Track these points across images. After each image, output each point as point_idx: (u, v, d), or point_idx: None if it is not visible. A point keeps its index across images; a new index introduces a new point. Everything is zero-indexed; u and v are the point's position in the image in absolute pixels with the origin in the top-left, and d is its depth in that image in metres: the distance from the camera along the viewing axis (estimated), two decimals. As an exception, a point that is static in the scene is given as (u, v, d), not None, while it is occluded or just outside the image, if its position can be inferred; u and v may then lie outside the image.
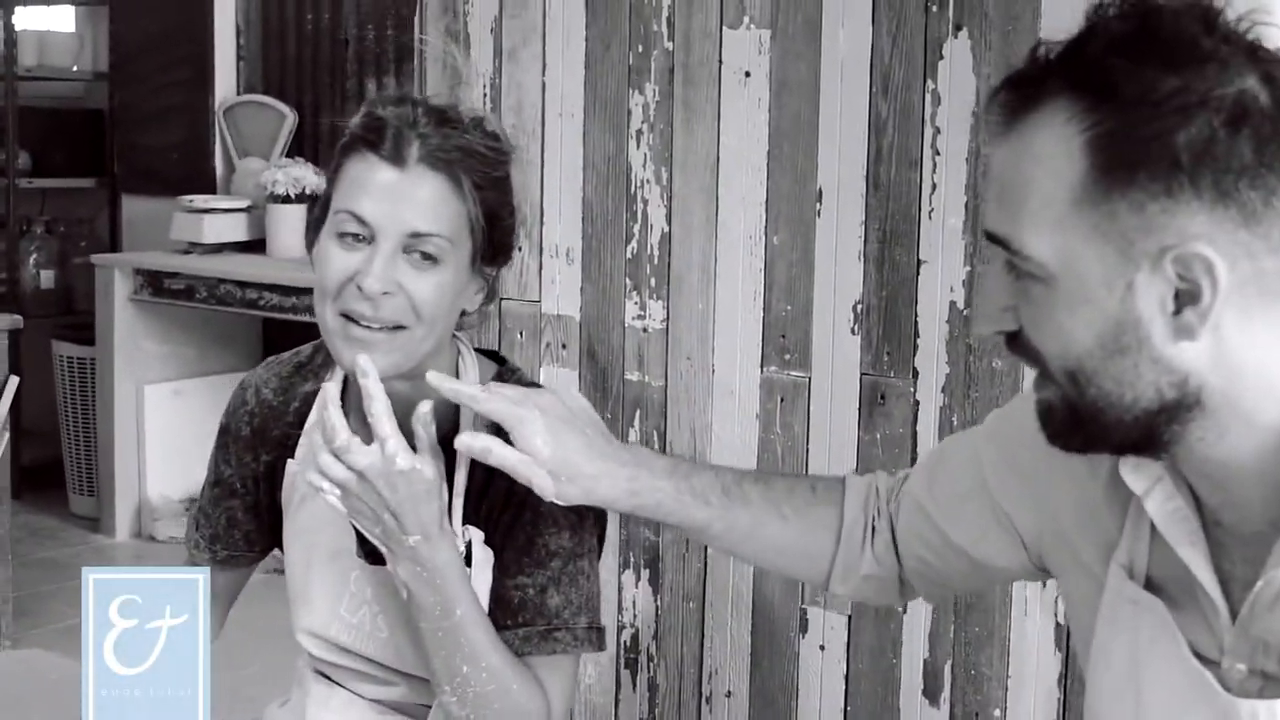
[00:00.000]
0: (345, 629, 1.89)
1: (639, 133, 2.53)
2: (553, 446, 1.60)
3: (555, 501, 1.64)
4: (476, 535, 1.80)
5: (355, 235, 1.70)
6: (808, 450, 2.41)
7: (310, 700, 1.98)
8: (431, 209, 1.72)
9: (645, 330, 2.55)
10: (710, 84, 2.45)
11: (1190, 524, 1.32)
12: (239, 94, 6.28)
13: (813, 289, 2.38)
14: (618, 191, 2.57)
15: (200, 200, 5.87)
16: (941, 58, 2.22)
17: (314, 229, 1.80)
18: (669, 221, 2.52)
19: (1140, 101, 1.19)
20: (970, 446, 1.63)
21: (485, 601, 1.81)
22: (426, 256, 1.72)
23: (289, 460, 1.91)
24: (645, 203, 2.54)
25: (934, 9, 2.22)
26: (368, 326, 1.70)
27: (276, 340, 5.91)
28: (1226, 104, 1.18)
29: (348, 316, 1.69)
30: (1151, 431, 1.25)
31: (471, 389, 1.64)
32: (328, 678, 1.97)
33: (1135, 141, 1.20)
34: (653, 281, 2.54)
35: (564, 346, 2.64)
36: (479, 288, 1.84)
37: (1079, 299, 1.24)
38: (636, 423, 2.57)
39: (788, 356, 2.41)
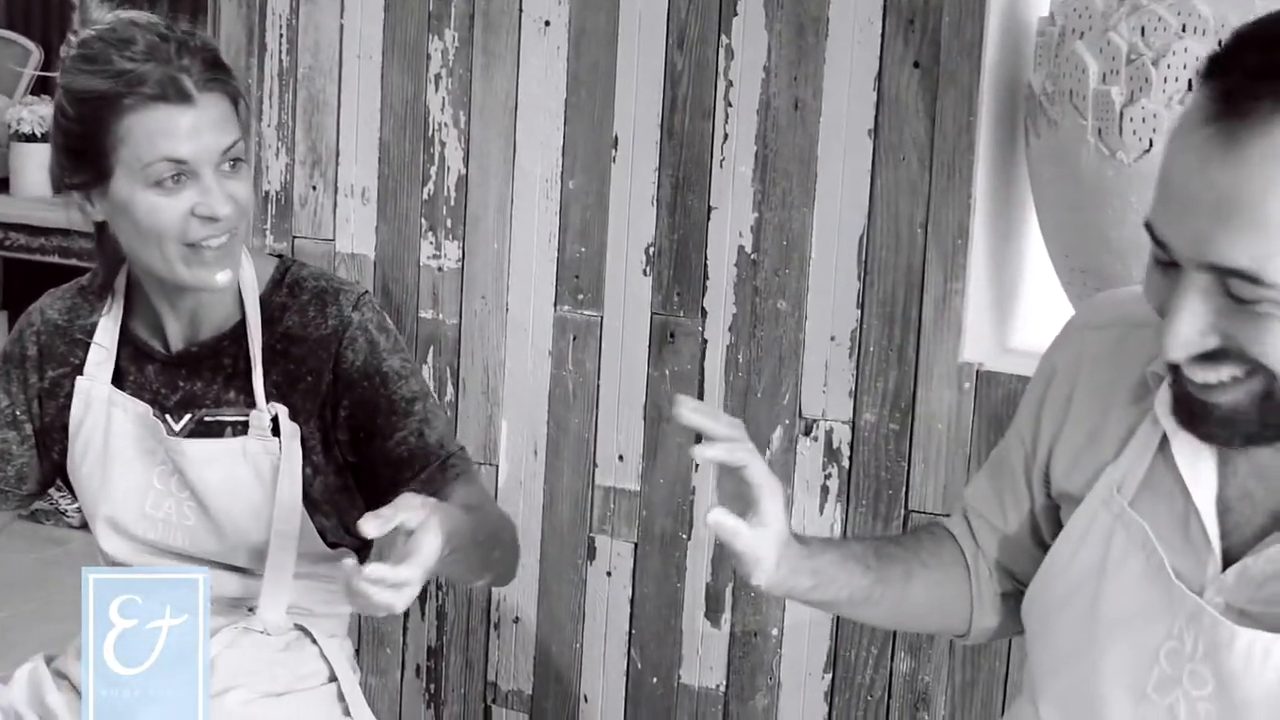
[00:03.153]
0: (151, 525, 1.96)
1: (438, 77, 2.53)
2: (784, 528, 1.43)
3: (767, 589, 1.46)
4: (282, 410, 1.91)
5: (175, 176, 1.80)
6: (599, 387, 2.45)
7: None
8: (224, 122, 1.85)
9: (440, 269, 2.57)
10: (510, 31, 2.46)
11: (1208, 465, 1.36)
12: (-19, 29, 6.10)
13: (607, 232, 2.42)
14: (415, 134, 2.57)
15: (-59, 137, 5.68)
16: (736, 14, 2.27)
17: (87, 188, 1.87)
18: (466, 164, 2.53)
19: None
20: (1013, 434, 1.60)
21: (299, 477, 1.93)
22: (236, 162, 1.86)
23: (79, 377, 1.98)
24: (443, 145, 2.54)
25: (730, -34, 2.28)
26: (213, 246, 1.81)
27: (18, 281, 5.78)
28: None
29: (193, 246, 1.79)
30: None
31: (740, 448, 1.39)
32: None
33: None
34: (449, 222, 2.55)
35: (358, 282, 2.63)
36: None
37: None
38: (430, 359, 2.58)
39: (581, 296, 2.45)
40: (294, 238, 2.68)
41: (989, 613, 1.63)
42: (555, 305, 2.48)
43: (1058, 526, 1.50)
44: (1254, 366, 1.21)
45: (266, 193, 2.72)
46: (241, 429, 1.92)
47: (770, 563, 1.42)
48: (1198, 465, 1.36)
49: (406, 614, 2.66)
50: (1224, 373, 1.24)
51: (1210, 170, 1.15)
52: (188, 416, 1.95)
